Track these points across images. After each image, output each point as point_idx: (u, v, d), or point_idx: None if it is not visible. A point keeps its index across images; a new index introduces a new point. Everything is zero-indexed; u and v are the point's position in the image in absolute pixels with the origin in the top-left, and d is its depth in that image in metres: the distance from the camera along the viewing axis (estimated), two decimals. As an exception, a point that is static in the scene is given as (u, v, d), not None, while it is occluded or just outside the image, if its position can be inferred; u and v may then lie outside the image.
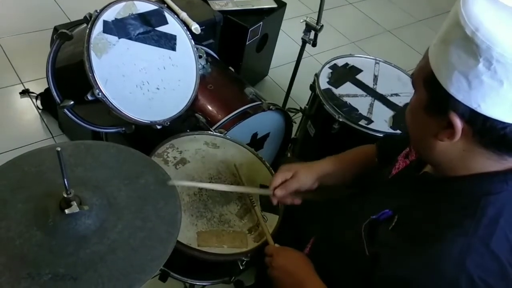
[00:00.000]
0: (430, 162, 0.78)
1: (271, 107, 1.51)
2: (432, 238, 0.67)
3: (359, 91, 1.63)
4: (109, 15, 1.15)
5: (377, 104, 1.60)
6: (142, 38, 1.21)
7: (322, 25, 1.69)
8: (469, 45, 0.59)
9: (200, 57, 1.49)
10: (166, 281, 1.09)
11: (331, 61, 1.72)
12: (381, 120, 1.52)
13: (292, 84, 1.99)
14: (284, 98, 2.11)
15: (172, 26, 1.28)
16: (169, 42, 1.26)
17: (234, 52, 2.06)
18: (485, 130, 0.62)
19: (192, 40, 1.33)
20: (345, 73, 1.69)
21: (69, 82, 1.22)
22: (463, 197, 0.69)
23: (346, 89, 1.62)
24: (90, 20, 1.12)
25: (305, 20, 1.71)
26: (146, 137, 1.43)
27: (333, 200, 1.16)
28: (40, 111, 2.07)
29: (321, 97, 1.57)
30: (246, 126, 1.49)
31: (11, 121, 2.03)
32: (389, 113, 1.57)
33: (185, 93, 1.31)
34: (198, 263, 1.05)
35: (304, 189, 1.06)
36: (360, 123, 1.49)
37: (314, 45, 1.75)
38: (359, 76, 1.69)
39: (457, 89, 0.62)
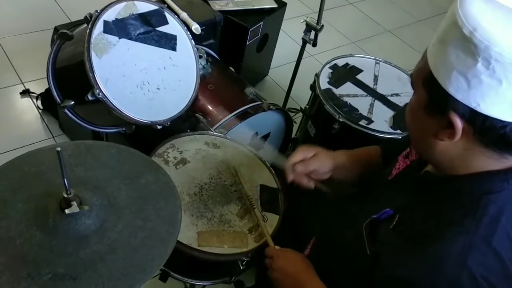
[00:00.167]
0: (430, 161, 0.78)
1: (271, 107, 1.51)
2: (433, 237, 0.67)
3: (359, 91, 1.63)
4: (110, 15, 1.15)
5: (378, 104, 1.60)
6: (143, 38, 1.21)
7: (323, 25, 1.69)
8: (467, 45, 0.60)
9: (200, 57, 1.49)
10: (166, 281, 1.09)
11: (331, 61, 1.72)
12: (381, 120, 1.52)
13: (292, 84, 1.99)
14: (284, 98, 2.11)
15: (172, 26, 1.28)
16: (169, 42, 1.27)
17: (234, 52, 2.06)
18: (485, 129, 0.63)
19: (193, 40, 1.33)
20: (345, 73, 1.69)
21: (70, 82, 1.22)
22: (464, 196, 0.69)
23: (347, 89, 1.62)
24: (90, 20, 1.12)
25: (306, 20, 1.71)
26: (146, 137, 1.43)
27: (333, 200, 1.16)
28: (40, 111, 2.07)
29: (321, 97, 1.57)
30: (246, 126, 1.49)
31: (12, 121, 2.03)
32: (390, 113, 1.57)
33: (186, 93, 1.31)
34: (198, 263, 1.05)
35: (321, 172, 1.06)
36: (360, 123, 1.49)
37: (314, 45, 1.75)
38: (359, 76, 1.69)
39: (456, 89, 0.62)
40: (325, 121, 1.55)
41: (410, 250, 0.69)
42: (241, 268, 1.05)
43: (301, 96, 2.24)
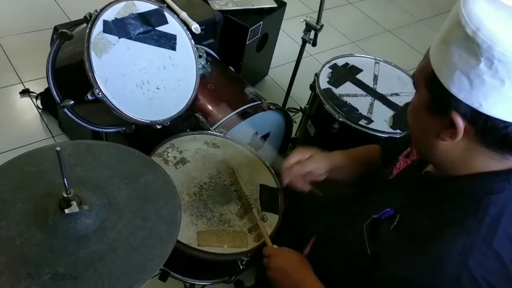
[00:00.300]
0: (431, 161, 0.78)
1: (271, 106, 1.51)
2: (433, 237, 0.67)
3: (359, 90, 1.63)
4: (109, 14, 1.15)
5: (377, 103, 1.60)
6: (142, 38, 1.21)
7: (322, 25, 1.69)
8: (470, 44, 0.59)
9: (200, 56, 1.49)
10: (166, 280, 1.09)
11: (331, 60, 1.72)
12: (381, 120, 1.52)
13: (292, 83, 1.99)
14: (284, 97, 2.11)
15: (172, 26, 1.28)
16: (169, 41, 1.26)
17: (234, 51, 2.06)
18: (487, 129, 0.62)
19: (192, 40, 1.33)
20: (345, 73, 1.69)
21: (69, 82, 1.22)
22: (465, 197, 0.69)
23: (346, 89, 1.62)
24: (90, 19, 1.11)
25: (305, 20, 1.71)
26: (146, 137, 1.43)
27: (333, 199, 1.16)
28: (40, 110, 2.07)
29: (321, 97, 1.57)
30: (246, 125, 1.49)
31: (11, 120, 2.03)
32: (389, 112, 1.57)
33: (185, 93, 1.31)
34: (198, 263, 1.05)
35: (317, 173, 1.06)
36: (360, 122, 1.49)
37: (314, 44, 1.75)
38: (359, 76, 1.69)
39: (459, 89, 0.62)
40: (325, 120, 1.55)
41: (411, 250, 0.69)
42: (241, 267, 1.05)
43: (301, 95, 2.24)
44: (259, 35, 2.10)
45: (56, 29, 1.55)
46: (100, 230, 0.73)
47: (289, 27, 2.58)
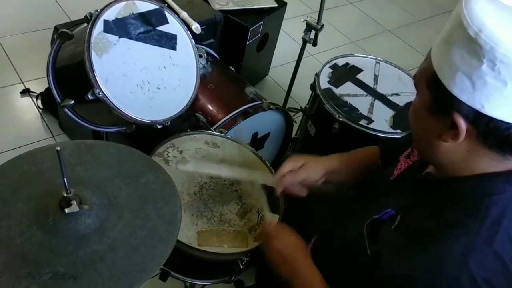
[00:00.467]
0: (433, 162, 0.78)
1: (271, 106, 1.51)
2: (434, 238, 0.67)
3: (359, 90, 1.63)
4: (110, 14, 1.15)
5: (378, 103, 1.59)
6: (143, 38, 1.21)
7: (323, 25, 1.69)
8: (472, 46, 0.59)
9: (200, 56, 1.49)
10: (166, 280, 1.09)
11: (331, 60, 1.72)
12: (381, 120, 1.52)
13: (292, 83, 1.99)
14: (284, 97, 2.11)
15: (172, 26, 1.28)
16: (169, 41, 1.26)
17: (234, 51, 2.06)
18: (489, 130, 0.62)
19: (193, 40, 1.33)
20: (345, 73, 1.69)
21: (70, 82, 1.22)
22: (466, 198, 0.69)
23: (347, 89, 1.62)
24: (90, 19, 1.11)
25: (306, 20, 1.71)
26: (146, 137, 1.43)
27: (334, 200, 1.16)
28: (40, 110, 2.07)
29: (321, 97, 1.57)
30: (246, 125, 1.49)
31: (12, 120, 2.03)
32: (390, 112, 1.57)
33: (186, 93, 1.31)
34: (198, 263, 1.05)
35: (310, 181, 1.05)
36: (360, 122, 1.48)
37: (314, 44, 1.75)
38: (359, 76, 1.69)
39: (461, 90, 0.61)
40: (325, 120, 1.55)
41: (411, 250, 0.69)
42: (241, 267, 1.05)
43: (301, 95, 2.24)
44: (259, 35, 2.10)
45: (56, 28, 1.56)
46: (100, 229, 0.73)
47: (289, 27, 2.58)
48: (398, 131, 1.50)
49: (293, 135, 1.84)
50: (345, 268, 0.84)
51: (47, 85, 1.91)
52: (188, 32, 1.32)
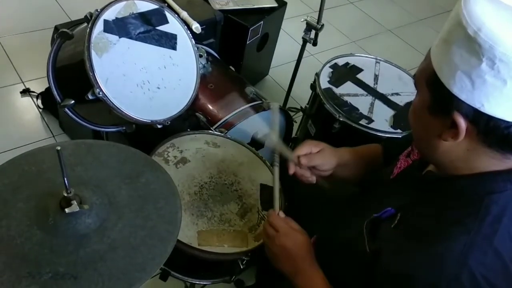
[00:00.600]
0: (433, 161, 0.78)
1: (271, 106, 1.51)
2: (434, 236, 0.67)
3: (359, 90, 1.63)
4: (110, 14, 1.15)
5: (378, 103, 1.59)
6: (143, 37, 1.21)
7: (323, 24, 1.69)
8: (471, 45, 0.59)
9: (200, 56, 1.48)
10: (166, 280, 1.09)
11: (331, 60, 1.72)
12: (381, 120, 1.52)
13: (292, 83, 1.99)
14: (284, 97, 2.11)
15: (172, 25, 1.28)
16: (169, 41, 1.26)
17: (234, 51, 2.06)
18: (489, 129, 0.62)
19: (193, 39, 1.33)
20: (345, 73, 1.69)
21: (70, 81, 1.22)
22: (466, 196, 0.69)
23: (347, 89, 1.62)
24: (90, 19, 1.11)
25: (306, 19, 1.70)
26: (146, 136, 1.43)
27: (334, 199, 1.16)
28: (40, 110, 2.07)
29: (321, 97, 1.56)
30: (246, 125, 1.49)
31: (12, 120, 2.03)
32: (390, 112, 1.57)
33: (186, 92, 1.31)
34: (198, 262, 1.05)
35: (323, 168, 1.04)
36: (360, 122, 1.48)
37: (314, 44, 1.75)
38: (359, 76, 1.69)
39: (460, 89, 0.62)
40: (325, 120, 1.55)
41: (411, 248, 0.69)
42: (241, 267, 1.05)
43: (302, 95, 2.24)
44: (259, 35, 2.10)
45: (56, 28, 1.55)
46: (100, 229, 0.73)
47: (289, 26, 2.57)
48: (398, 130, 1.50)
49: (293, 134, 1.84)
50: (345, 267, 0.84)
51: (47, 85, 1.91)
52: (188, 32, 1.32)
